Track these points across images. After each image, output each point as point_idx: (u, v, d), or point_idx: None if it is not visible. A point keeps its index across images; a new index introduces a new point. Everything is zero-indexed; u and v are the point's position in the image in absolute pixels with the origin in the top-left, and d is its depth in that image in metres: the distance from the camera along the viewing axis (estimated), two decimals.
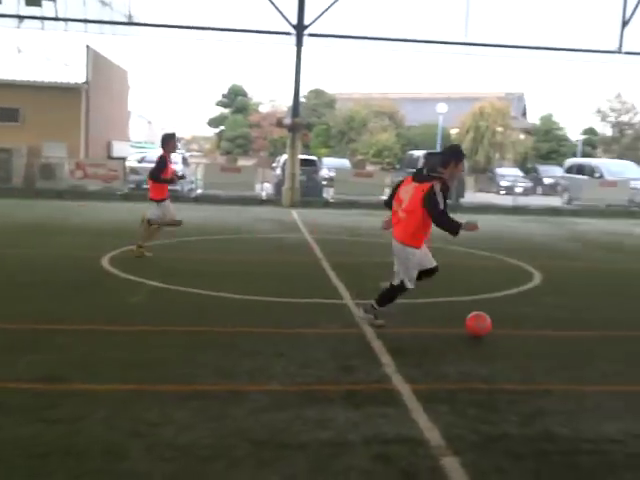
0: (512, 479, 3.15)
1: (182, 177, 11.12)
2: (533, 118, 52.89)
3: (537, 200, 28.49)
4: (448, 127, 42.76)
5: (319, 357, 4.92)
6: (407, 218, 5.51)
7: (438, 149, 37.24)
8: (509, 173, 35.74)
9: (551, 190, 32.66)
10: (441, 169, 5.55)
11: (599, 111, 52.86)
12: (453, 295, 7.39)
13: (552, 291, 8.09)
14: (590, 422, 3.86)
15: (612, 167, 27.63)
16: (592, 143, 52.06)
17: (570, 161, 31.69)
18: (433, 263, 5.83)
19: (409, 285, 5.64)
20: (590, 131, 52.48)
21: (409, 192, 5.55)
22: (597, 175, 26.05)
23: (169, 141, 9.39)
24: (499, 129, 42.77)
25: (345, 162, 34.40)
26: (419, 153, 26.35)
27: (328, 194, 23.24)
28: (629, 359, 5.24)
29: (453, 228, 5.37)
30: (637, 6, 19.77)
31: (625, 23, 20.01)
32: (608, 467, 3.32)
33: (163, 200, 9.42)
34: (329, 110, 47.95)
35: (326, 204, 21.88)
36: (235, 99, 52.56)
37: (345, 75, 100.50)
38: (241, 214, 17.24)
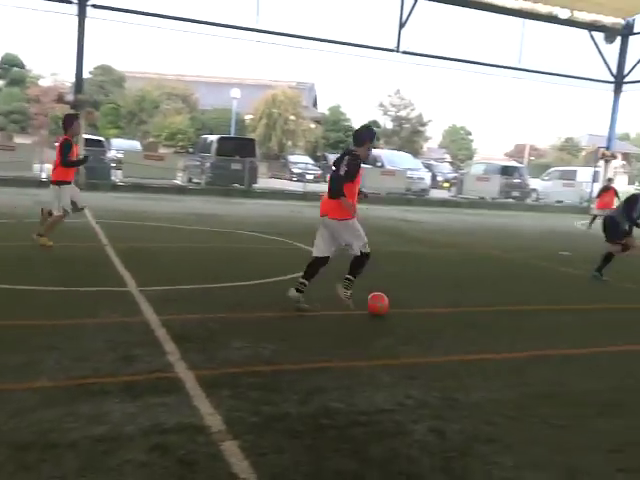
0: (290, 457, 3.21)
1: (86, 158, 10.37)
2: (323, 108, 55.26)
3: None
4: (242, 113, 43.04)
5: (97, 348, 4.63)
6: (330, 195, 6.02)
7: (232, 134, 37.35)
8: (300, 160, 37.01)
9: None
10: (356, 147, 6.12)
11: (381, 105, 56.79)
12: (242, 280, 7.43)
13: (340, 272, 8.47)
14: (364, 395, 4.09)
15: (392, 158, 29.90)
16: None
17: None
18: None
19: (366, 247, 6.18)
20: (373, 123, 56.13)
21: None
22: (379, 165, 27.99)
23: (73, 122, 9.00)
24: (291, 117, 44.03)
25: (136, 144, 33.04)
26: (213, 137, 26.19)
27: (117, 177, 22.16)
28: (403, 334, 5.65)
29: (337, 193, 5.93)
30: (411, 10, 21.45)
31: (402, 25, 21.62)
32: (379, 436, 3.53)
33: (68, 183, 8.91)
34: (118, 89, 45.64)
35: (114, 187, 20.86)
36: (10, 70, 47.79)
37: (136, 53, 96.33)
38: (17, 196, 15.74)
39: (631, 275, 10.06)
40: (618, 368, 5.14)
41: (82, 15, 18.91)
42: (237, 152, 24.17)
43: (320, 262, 6.26)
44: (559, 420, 3.92)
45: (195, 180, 24.94)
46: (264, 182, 27.02)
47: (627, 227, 9.38)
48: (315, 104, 55.82)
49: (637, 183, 66.01)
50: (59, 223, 9.05)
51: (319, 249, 6.27)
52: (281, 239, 11.30)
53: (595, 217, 18.92)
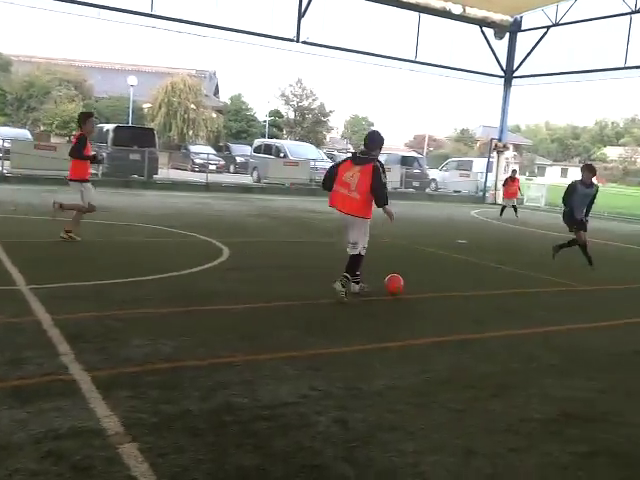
0: (191, 456, 3.13)
1: (100, 158, 11.03)
2: (225, 97, 54.50)
3: (229, 178, 29.52)
4: (140, 101, 41.70)
5: None
6: (360, 197, 6.59)
7: (130, 123, 36.13)
8: (202, 151, 36.34)
9: (242, 168, 34.13)
10: (371, 151, 6.75)
11: (283, 95, 56.74)
12: (142, 275, 7.20)
13: (240, 266, 8.41)
14: (268, 389, 4.06)
15: (295, 148, 29.93)
16: (278, 125, 55.72)
17: (258, 141, 33.47)
18: None
19: (364, 251, 6.84)
20: (276, 113, 56.09)
21: (355, 176, 6.61)
22: (282, 155, 27.97)
23: (88, 119, 9.34)
24: (192, 106, 43.10)
25: (25, 133, 31.24)
26: (109, 126, 25.21)
27: (4, 167, 20.89)
28: (306, 326, 5.67)
29: (385, 201, 6.66)
30: (310, 1, 21.49)
31: (301, 15, 21.63)
32: (283, 429, 3.51)
33: (86, 181, 9.32)
34: (3, 73, 42.92)
35: (3, 178, 19.66)
36: None
37: (23, 36, 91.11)
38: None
39: (547, 265, 10.60)
40: (511, 351, 5.39)
41: None
42: (135, 142, 23.41)
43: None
44: (457, 404, 4.06)
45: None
46: (165, 173, 26.32)
47: (581, 218, 10.24)
48: (217, 93, 54.89)
49: (527, 173, 69.71)
50: (81, 217, 9.42)
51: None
52: (183, 232, 11.05)
53: (504, 207, 19.98)
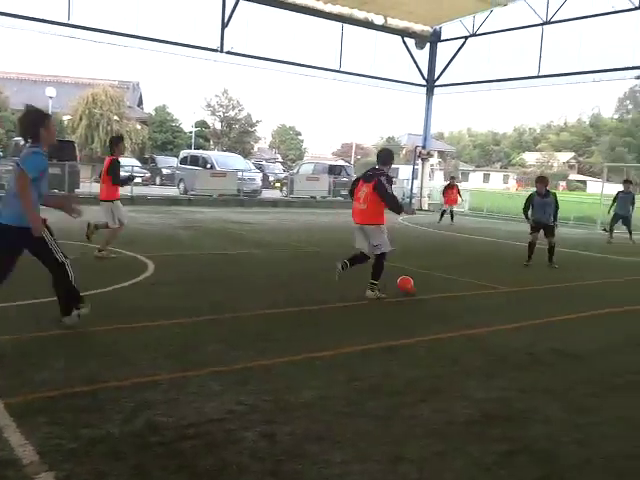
0: None
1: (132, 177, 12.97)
2: (149, 108, 53.54)
3: (155, 190, 28.99)
4: (60, 113, 40.37)
5: None
6: (368, 206, 7.67)
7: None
8: (127, 163, 35.44)
9: (169, 180, 33.55)
10: (382, 166, 7.85)
11: (209, 105, 56.25)
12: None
13: (165, 281, 8.24)
14: (193, 406, 3.98)
15: (222, 159, 29.71)
16: (205, 135, 55.18)
17: (184, 152, 33.05)
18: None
19: (389, 248, 7.81)
20: (202, 124, 55.54)
21: (364, 191, 7.68)
22: (209, 166, 27.69)
23: (119, 143, 9.87)
24: (115, 118, 42.10)
25: None
26: None
27: None
28: (233, 340, 5.60)
29: (397, 207, 7.72)
30: (233, 10, 21.45)
31: (225, 25, 21.54)
32: (209, 447, 3.44)
33: (117, 200, 9.90)
34: None
35: None
36: None
37: None
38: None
39: (472, 268, 10.84)
40: (437, 355, 5.49)
41: None
42: (55, 155, 22.57)
43: (364, 256, 7.92)
44: (385, 411, 4.10)
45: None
46: (88, 186, 25.53)
47: (550, 222, 11.32)
48: (141, 104, 53.84)
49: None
50: (116, 235, 9.97)
51: (362, 246, 7.92)
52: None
53: (444, 212, 20.72)
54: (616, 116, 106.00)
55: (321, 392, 4.39)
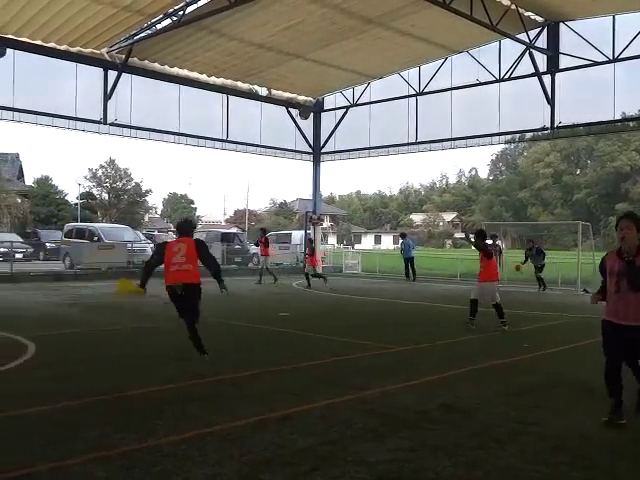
0: None
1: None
2: (31, 180, 51.50)
3: (39, 266, 27.62)
4: None
5: None
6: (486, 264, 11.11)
7: None
8: (6, 239, 33.70)
9: (53, 254, 32.10)
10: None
11: (95, 176, 55.01)
12: None
13: (47, 362, 7.79)
14: None
15: (109, 231, 28.94)
16: (91, 207, 53.65)
17: (69, 225, 31.95)
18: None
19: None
20: (88, 195, 54.06)
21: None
22: (96, 239, 26.85)
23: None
24: None
25: None
26: None
27: None
28: (119, 421, 5.33)
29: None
30: (116, 82, 21.45)
31: (108, 97, 21.45)
32: None
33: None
34: None
35: None
36: None
37: None
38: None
39: (365, 330, 10.95)
40: (330, 421, 5.48)
41: None
42: None
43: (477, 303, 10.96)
44: None
45: None
46: None
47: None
48: (21, 177, 51.73)
49: (345, 242, 73.32)
50: None
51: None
52: None
53: (309, 275, 20.91)
54: (491, 177, 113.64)
55: (212, 469, 4.25)
